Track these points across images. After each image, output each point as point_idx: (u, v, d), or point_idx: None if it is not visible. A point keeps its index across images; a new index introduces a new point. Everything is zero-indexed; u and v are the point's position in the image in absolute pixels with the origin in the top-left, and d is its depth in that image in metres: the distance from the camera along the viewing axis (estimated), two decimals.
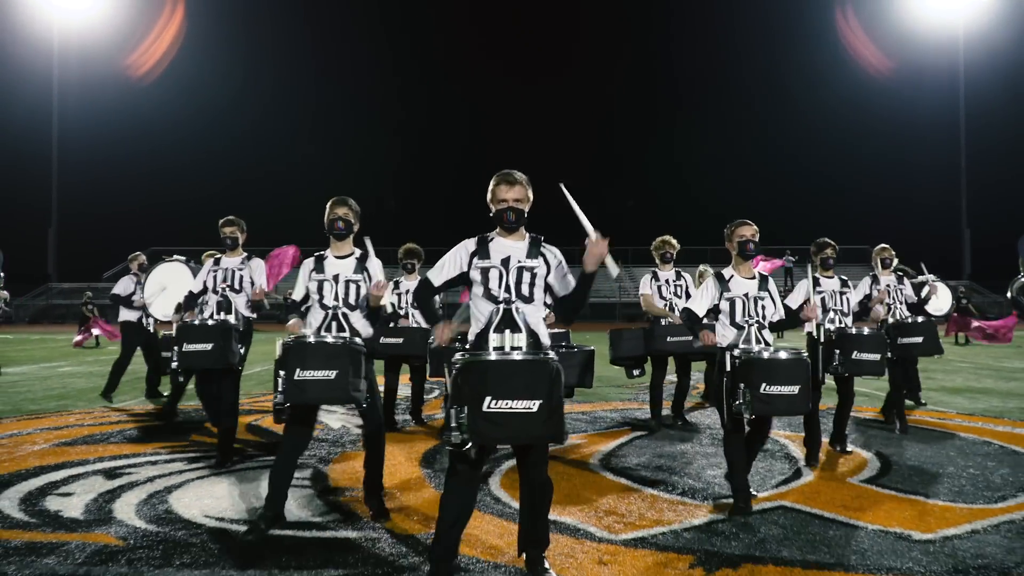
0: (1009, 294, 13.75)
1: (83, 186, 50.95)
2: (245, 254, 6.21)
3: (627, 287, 48.50)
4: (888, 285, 7.11)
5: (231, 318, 5.87)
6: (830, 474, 5.36)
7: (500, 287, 3.41)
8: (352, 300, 4.41)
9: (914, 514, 4.36)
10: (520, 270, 3.44)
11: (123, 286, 9.18)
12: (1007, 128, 50.71)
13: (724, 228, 4.93)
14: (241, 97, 59.72)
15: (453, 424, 3.01)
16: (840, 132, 58.39)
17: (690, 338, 6.63)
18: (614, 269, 3.21)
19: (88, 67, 50.91)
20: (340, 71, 63.38)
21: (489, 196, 3.53)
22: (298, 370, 3.96)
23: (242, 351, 5.82)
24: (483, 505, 4.51)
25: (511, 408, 2.98)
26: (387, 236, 7.28)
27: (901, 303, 7.21)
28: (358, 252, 4.58)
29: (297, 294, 4.54)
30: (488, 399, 2.97)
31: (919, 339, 7.01)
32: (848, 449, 6.04)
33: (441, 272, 3.58)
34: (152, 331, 9.09)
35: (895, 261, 7.41)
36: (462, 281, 3.55)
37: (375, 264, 4.52)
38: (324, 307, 4.37)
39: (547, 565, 3.42)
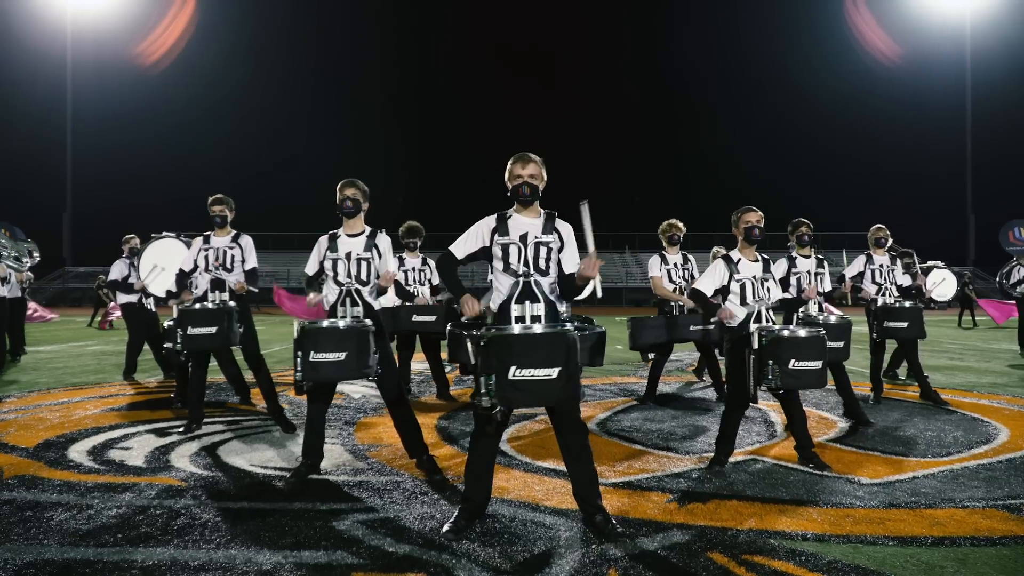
0: (998, 280, 14.32)
1: (97, 171, 51.87)
2: (234, 232, 6.40)
3: (633, 272, 49.09)
4: (882, 265, 7.61)
5: (226, 296, 6.12)
6: None
7: (519, 261, 3.81)
8: (364, 276, 4.77)
9: (867, 465, 4.99)
10: (537, 245, 3.83)
11: (117, 270, 9.39)
12: (1013, 115, 50.96)
13: (731, 215, 5.22)
14: (252, 85, 60.42)
15: (483, 390, 3.39)
16: (848, 119, 58.73)
17: (710, 326, 7.00)
18: (598, 290, 3.85)
19: (102, 55, 51.68)
20: (349, 61, 64.00)
21: (506, 175, 3.90)
22: (312, 352, 4.36)
23: (240, 329, 6.04)
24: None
25: (533, 376, 3.35)
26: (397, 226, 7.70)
27: (892, 283, 7.58)
28: (368, 230, 4.90)
29: (310, 269, 4.93)
30: (513, 368, 3.34)
31: (905, 323, 7.36)
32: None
33: (464, 245, 3.93)
34: (153, 311, 9.38)
35: (890, 241, 7.80)
36: (483, 255, 3.91)
37: (385, 240, 4.89)
38: (338, 284, 4.76)
39: (613, 522, 3.69)
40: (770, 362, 4.65)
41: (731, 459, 5.07)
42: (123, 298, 9.48)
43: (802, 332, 4.73)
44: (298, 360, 4.40)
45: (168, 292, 7.87)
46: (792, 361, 4.62)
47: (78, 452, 5.36)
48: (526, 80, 65.02)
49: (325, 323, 4.48)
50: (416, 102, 65.69)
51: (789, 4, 62.55)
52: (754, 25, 64.92)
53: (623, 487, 4.48)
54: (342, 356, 4.37)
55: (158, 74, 53.80)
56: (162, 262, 8.12)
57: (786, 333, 4.70)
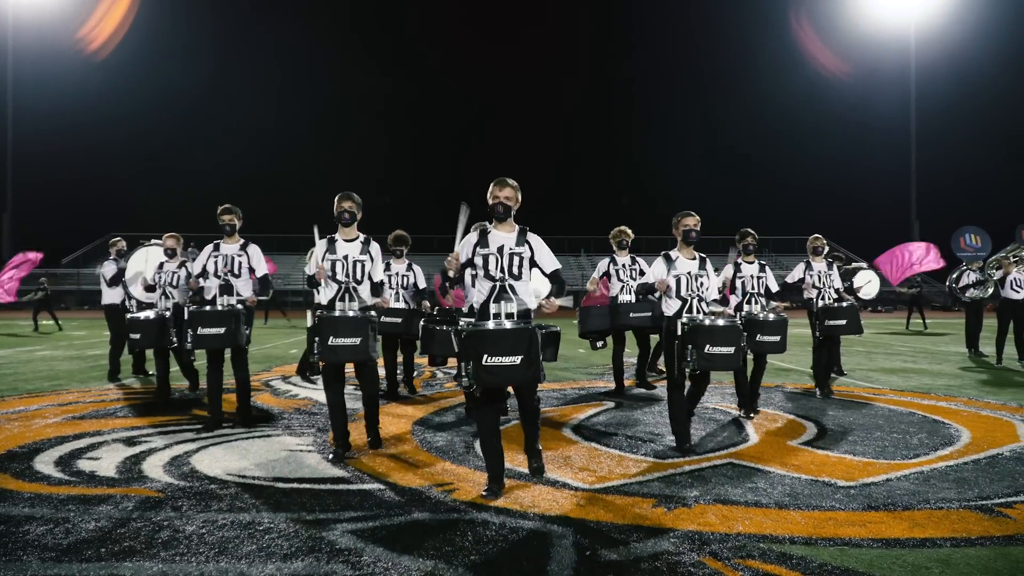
0: (948, 284, 14.92)
1: (39, 171, 50.14)
2: (243, 240, 6.65)
3: (588, 276, 49.50)
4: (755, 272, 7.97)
5: (234, 301, 6.40)
6: (773, 438, 6.12)
7: (497, 269, 4.51)
8: (359, 276, 5.38)
9: (841, 468, 5.12)
10: (511, 255, 4.55)
11: (109, 270, 9.59)
12: (955, 125, 52.89)
13: (672, 218, 5.81)
14: (212, 79, 59.19)
15: (464, 374, 4.21)
16: (795, 130, 60.23)
17: (649, 313, 7.66)
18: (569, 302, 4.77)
19: (44, 50, 49.95)
20: (291, 50, 63.35)
21: (488, 196, 4.64)
22: (332, 337, 5.08)
23: (247, 332, 6.38)
24: (468, 463, 5.17)
25: (501, 362, 4.15)
26: (385, 229, 8.22)
27: (830, 287, 8.22)
28: (362, 236, 5.51)
29: (310, 271, 5.38)
30: (486, 356, 4.13)
31: (843, 321, 8.07)
32: (758, 410, 7.20)
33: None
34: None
35: (826, 249, 8.56)
36: (468, 265, 4.60)
37: (376, 247, 5.51)
38: (336, 282, 5.32)
39: (542, 460, 4.87)
40: (689, 346, 5.34)
41: (709, 463, 5.20)
42: (107, 298, 9.63)
43: (720, 321, 5.42)
44: (315, 344, 5.06)
45: (147, 287, 8.24)
46: (707, 346, 5.33)
47: (44, 463, 5.19)
48: (509, 82, 65.56)
49: (338, 312, 5.19)
50: (400, 100, 65.44)
51: (738, 18, 64.14)
52: (704, 38, 66.14)
53: (608, 492, 4.51)
54: (358, 341, 5.12)
55: (103, 72, 52.17)
56: (148, 269, 8.39)
57: (707, 322, 5.39)
